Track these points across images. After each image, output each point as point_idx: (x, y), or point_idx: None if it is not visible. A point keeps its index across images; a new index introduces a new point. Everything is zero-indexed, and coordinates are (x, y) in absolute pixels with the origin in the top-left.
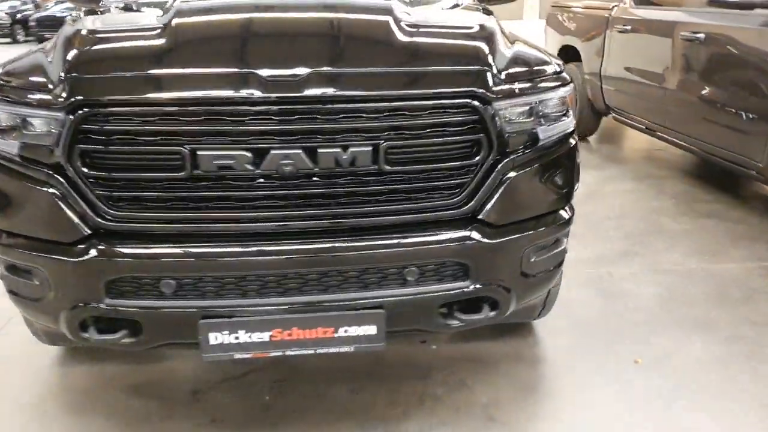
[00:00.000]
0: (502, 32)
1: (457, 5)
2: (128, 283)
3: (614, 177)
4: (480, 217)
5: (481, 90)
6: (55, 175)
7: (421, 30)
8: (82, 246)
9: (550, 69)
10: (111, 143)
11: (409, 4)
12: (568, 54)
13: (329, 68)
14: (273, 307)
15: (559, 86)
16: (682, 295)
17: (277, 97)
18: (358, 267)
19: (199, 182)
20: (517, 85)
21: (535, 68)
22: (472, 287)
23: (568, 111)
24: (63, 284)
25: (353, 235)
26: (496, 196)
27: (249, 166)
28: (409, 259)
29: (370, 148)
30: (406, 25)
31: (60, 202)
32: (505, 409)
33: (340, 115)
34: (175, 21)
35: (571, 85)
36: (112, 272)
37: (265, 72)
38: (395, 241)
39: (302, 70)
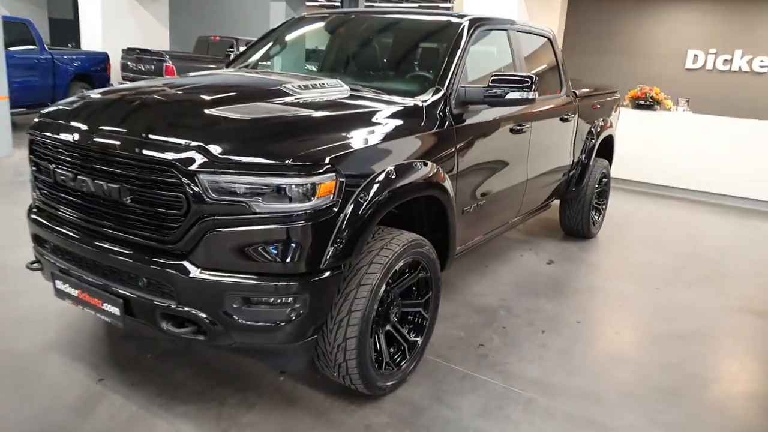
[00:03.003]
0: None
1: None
2: (37, 240)
3: None
4: (189, 256)
5: (180, 164)
6: None
7: (197, 112)
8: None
9: (281, 162)
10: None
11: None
12: None
13: (107, 130)
14: (81, 276)
15: (294, 175)
16: None
17: (79, 143)
18: (108, 265)
19: (57, 187)
20: (225, 169)
21: (259, 160)
22: (174, 307)
23: (311, 196)
24: None
25: (111, 242)
26: (197, 244)
27: (72, 183)
28: (137, 271)
29: (117, 186)
30: (195, 108)
31: None
32: None
33: (103, 163)
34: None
35: (315, 178)
36: (32, 231)
37: (85, 129)
38: (130, 253)
39: (95, 129)
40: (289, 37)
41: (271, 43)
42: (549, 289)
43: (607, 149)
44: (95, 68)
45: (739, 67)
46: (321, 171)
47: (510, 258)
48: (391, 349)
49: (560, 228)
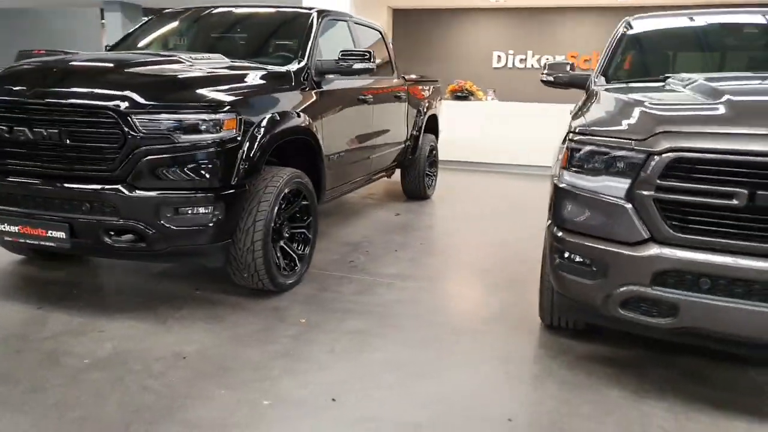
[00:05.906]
0: (195, 80)
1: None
2: None
3: None
4: (127, 180)
5: (115, 107)
6: None
7: (122, 72)
8: None
9: (194, 105)
10: None
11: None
12: None
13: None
14: (20, 212)
15: (204, 112)
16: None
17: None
18: (57, 196)
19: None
20: (153, 110)
21: (179, 103)
22: (118, 221)
23: (219, 129)
24: None
25: (59, 178)
26: (133, 170)
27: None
28: (85, 198)
29: (57, 130)
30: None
31: None
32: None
33: (51, 114)
34: None
35: (221, 115)
36: None
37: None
38: (77, 185)
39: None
40: (155, 30)
41: (141, 34)
42: (398, 228)
43: (433, 126)
44: None
45: (531, 65)
46: (225, 110)
47: (367, 214)
48: (286, 260)
49: (403, 193)
